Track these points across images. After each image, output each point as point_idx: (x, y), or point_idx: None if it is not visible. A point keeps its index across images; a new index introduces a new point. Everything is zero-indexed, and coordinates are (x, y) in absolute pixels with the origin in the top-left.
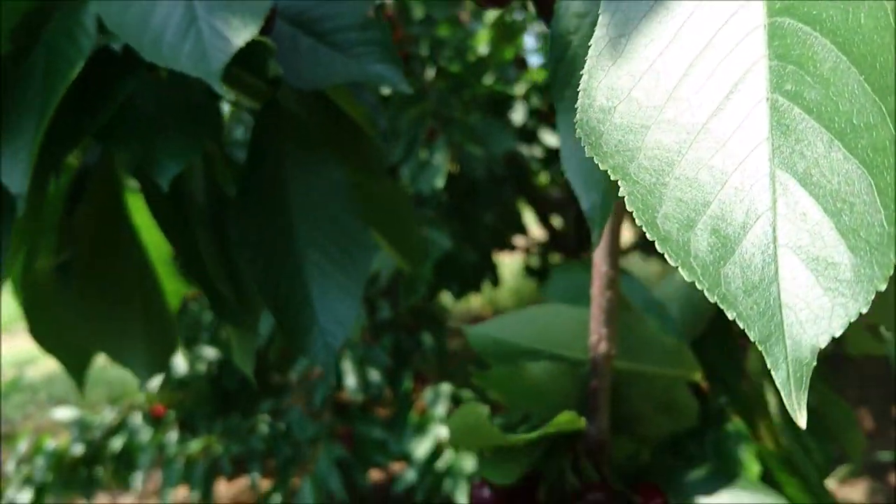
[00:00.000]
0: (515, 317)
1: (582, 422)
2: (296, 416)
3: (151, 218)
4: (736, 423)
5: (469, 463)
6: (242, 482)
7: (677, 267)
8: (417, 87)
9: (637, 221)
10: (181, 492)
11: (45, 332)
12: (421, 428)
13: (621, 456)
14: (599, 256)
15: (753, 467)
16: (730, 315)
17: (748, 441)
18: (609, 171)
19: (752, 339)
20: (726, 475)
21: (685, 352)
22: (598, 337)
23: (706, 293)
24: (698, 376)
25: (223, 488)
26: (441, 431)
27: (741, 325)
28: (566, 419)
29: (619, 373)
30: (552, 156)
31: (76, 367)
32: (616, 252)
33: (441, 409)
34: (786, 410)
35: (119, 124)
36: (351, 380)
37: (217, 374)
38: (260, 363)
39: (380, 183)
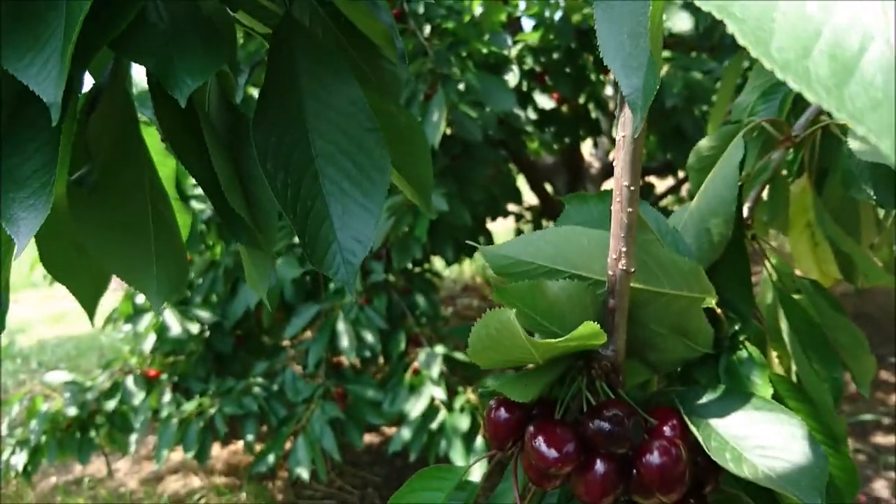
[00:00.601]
0: (533, 237)
1: (603, 336)
2: (289, 377)
3: (162, 149)
4: (749, 349)
5: (464, 422)
6: (236, 447)
7: (801, 90)
8: (415, 44)
9: (752, 53)
10: (176, 457)
11: (56, 259)
12: (415, 388)
13: (633, 384)
14: (620, 171)
15: (766, 391)
16: (859, 131)
17: (762, 366)
18: (713, 11)
19: (883, 150)
20: (739, 397)
21: (701, 274)
22: (617, 254)
23: (834, 112)
24: (713, 301)
25: (217, 453)
26: (435, 392)
27: (872, 140)
28: (588, 331)
29: (634, 294)
30: (545, 118)
31: (88, 296)
32: (637, 167)
33: (435, 370)
34: (798, 339)
35: (134, 36)
36: (345, 341)
37: (209, 336)
38: (252, 326)
39: (395, 107)
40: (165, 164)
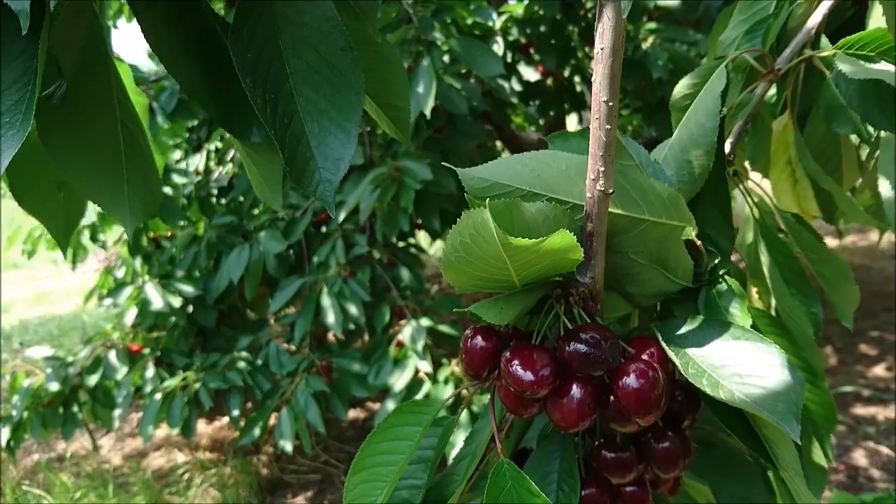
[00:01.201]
0: (511, 159)
1: (579, 251)
2: (273, 351)
3: (135, 87)
4: (729, 282)
5: (448, 394)
6: (220, 423)
7: None
8: (398, 11)
9: None
10: (161, 434)
11: (26, 189)
12: (399, 361)
13: (612, 317)
14: (598, 85)
15: (746, 322)
16: None
17: (741, 297)
18: None
19: None
20: (718, 326)
21: (680, 202)
22: (595, 174)
23: None
24: (693, 231)
25: (202, 429)
26: (420, 364)
27: None
28: (563, 241)
29: (613, 219)
30: (530, 91)
31: (60, 228)
32: (617, 82)
33: (419, 343)
34: (779, 271)
35: None
36: (330, 316)
37: (192, 311)
38: (236, 300)
39: (372, 30)
40: (137, 103)
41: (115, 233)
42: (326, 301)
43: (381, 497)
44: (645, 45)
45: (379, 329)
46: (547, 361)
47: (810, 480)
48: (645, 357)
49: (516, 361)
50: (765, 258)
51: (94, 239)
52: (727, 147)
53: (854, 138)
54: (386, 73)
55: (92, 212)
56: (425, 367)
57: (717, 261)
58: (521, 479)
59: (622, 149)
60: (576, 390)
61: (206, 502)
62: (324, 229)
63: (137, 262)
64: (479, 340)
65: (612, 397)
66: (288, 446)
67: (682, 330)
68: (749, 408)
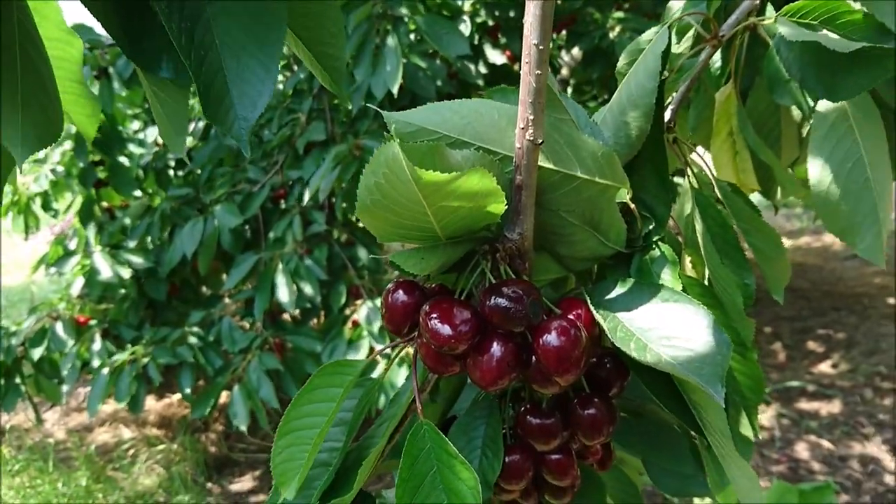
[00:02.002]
0: (441, 106)
1: (500, 194)
2: (226, 326)
3: (66, 28)
4: (662, 248)
5: (402, 375)
6: (170, 401)
7: None
8: None
9: None
10: (108, 409)
11: None
12: (354, 342)
13: (544, 280)
14: (529, 28)
15: (676, 287)
16: None
17: (674, 263)
18: None
19: None
20: (648, 290)
21: (615, 161)
22: (525, 123)
23: None
24: (627, 193)
25: (150, 406)
26: (375, 344)
27: None
28: (480, 179)
29: (544, 175)
30: (497, 75)
31: None
32: (548, 24)
33: (375, 323)
34: (712, 239)
35: None
36: (284, 295)
37: (143, 283)
38: (188, 275)
39: None
40: (72, 45)
41: (67, 201)
42: (281, 278)
43: (305, 459)
44: (612, 35)
45: (335, 308)
46: (467, 316)
47: (737, 450)
48: (570, 317)
49: (435, 315)
50: (699, 226)
51: (45, 207)
52: (668, 113)
53: (796, 114)
54: (321, 19)
55: (44, 180)
56: (380, 347)
57: (651, 227)
58: (440, 441)
59: (557, 103)
60: (496, 347)
61: (150, 479)
62: (282, 205)
63: (91, 232)
64: (400, 294)
65: (533, 357)
66: (242, 426)
67: (613, 293)
68: (675, 371)
